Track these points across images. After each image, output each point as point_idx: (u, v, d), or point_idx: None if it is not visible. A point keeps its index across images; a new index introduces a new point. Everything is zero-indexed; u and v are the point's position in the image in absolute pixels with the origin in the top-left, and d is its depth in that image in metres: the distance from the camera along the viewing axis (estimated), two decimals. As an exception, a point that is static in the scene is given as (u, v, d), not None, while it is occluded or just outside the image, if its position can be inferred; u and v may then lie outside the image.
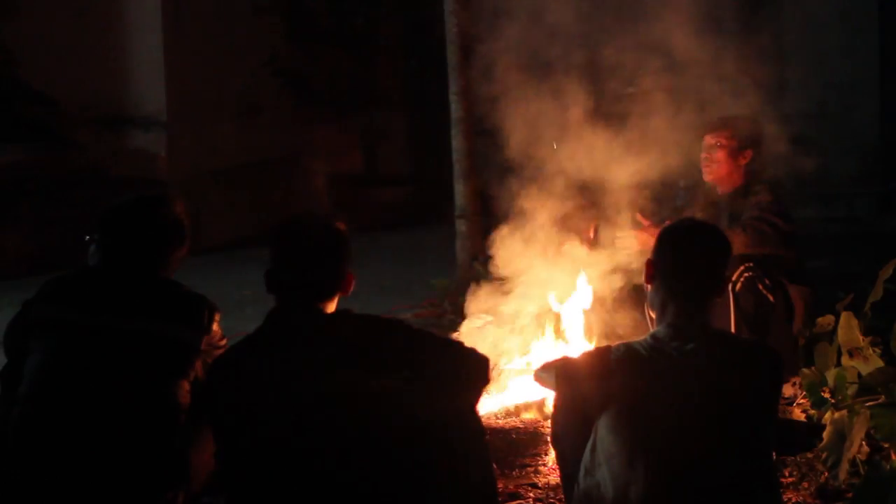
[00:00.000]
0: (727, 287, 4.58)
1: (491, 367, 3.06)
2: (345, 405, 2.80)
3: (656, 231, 3.46)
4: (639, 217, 4.84)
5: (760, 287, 4.65)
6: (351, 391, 2.81)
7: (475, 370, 2.98)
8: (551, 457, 3.98)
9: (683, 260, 2.98)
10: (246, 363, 2.91)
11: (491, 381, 3.10)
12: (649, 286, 3.07)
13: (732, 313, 4.60)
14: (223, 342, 3.37)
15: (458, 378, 2.93)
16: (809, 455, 4.03)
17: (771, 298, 4.67)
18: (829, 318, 4.72)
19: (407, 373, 2.88)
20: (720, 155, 4.94)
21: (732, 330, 4.55)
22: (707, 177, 5.01)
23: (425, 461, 2.82)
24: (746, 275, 4.64)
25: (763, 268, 4.69)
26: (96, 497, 3.10)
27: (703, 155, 4.98)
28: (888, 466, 3.59)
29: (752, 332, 4.57)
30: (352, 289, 3.04)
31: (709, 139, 4.98)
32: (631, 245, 4.81)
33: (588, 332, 5.01)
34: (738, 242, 4.61)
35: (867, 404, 3.87)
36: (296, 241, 3.01)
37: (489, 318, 5.01)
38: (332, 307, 3.02)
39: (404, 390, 2.86)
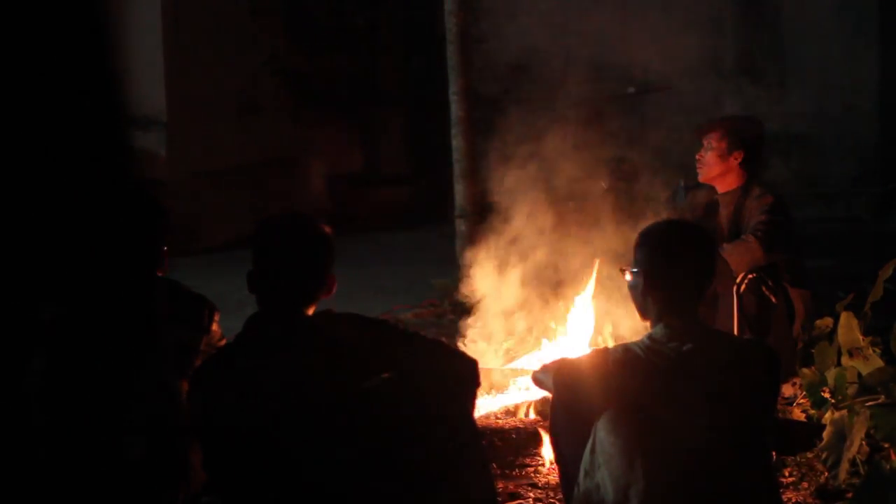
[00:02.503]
0: (732, 287, 4.59)
1: (479, 369, 3.03)
2: (333, 409, 2.76)
3: None
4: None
5: (764, 289, 4.65)
6: (339, 394, 2.78)
7: (463, 372, 2.96)
8: (551, 457, 3.98)
9: (669, 260, 2.96)
10: (228, 373, 2.85)
11: (480, 384, 3.06)
12: (639, 294, 3.02)
13: (736, 314, 4.60)
14: (223, 342, 3.37)
15: (446, 380, 2.91)
16: (809, 455, 4.03)
17: (773, 300, 4.67)
18: (829, 320, 4.72)
19: (394, 374, 2.85)
20: (710, 156, 4.95)
21: (735, 331, 4.55)
22: (700, 177, 5.03)
23: (419, 463, 2.80)
24: (751, 276, 4.65)
25: (767, 269, 4.69)
26: (97, 496, 3.10)
27: (697, 156, 5.00)
28: (888, 466, 3.59)
29: (753, 333, 4.57)
30: (334, 291, 2.98)
31: (703, 140, 4.99)
32: None
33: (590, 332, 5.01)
34: (755, 249, 4.61)
35: (867, 404, 3.87)
36: (279, 244, 2.95)
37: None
38: (313, 309, 2.97)
39: (393, 392, 2.83)
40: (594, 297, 4.94)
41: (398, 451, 2.78)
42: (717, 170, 4.95)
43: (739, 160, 4.92)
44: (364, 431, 2.77)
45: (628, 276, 3.02)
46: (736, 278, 4.61)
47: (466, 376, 2.97)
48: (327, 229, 2.99)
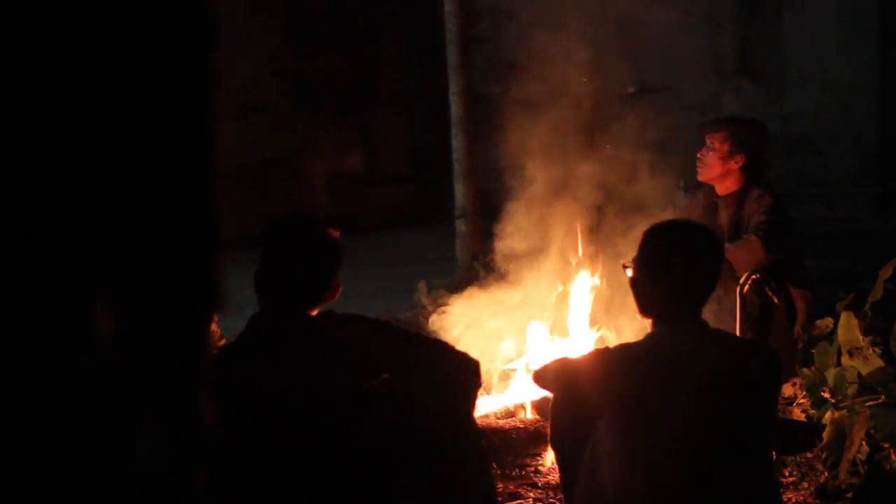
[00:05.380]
0: (735, 289, 4.59)
1: (481, 369, 3.03)
2: (335, 408, 2.76)
3: None
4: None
5: (767, 290, 4.65)
6: (340, 394, 2.78)
7: (465, 373, 2.96)
8: (551, 457, 3.98)
9: (675, 260, 2.92)
10: (230, 371, 2.83)
11: (482, 385, 3.06)
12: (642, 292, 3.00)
13: (738, 315, 4.59)
14: (222, 342, 3.37)
15: (447, 380, 2.91)
16: (809, 455, 4.03)
17: (776, 300, 4.67)
18: (829, 320, 4.72)
19: (395, 374, 2.85)
20: (712, 157, 4.93)
21: (737, 331, 4.54)
22: (700, 176, 5.02)
23: (420, 464, 2.80)
24: (755, 276, 4.64)
25: (769, 270, 4.69)
26: (96, 495, 3.10)
27: (698, 154, 4.98)
28: (888, 466, 3.59)
29: (755, 334, 4.57)
30: (338, 295, 2.97)
31: (706, 138, 4.98)
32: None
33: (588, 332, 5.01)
34: (757, 249, 4.60)
35: (867, 404, 3.87)
36: (290, 247, 2.94)
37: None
38: (316, 311, 2.97)
39: (394, 392, 2.83)
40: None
41: (399, 451, 2.78)
42: (716, 171, 4.94)
43: (740, 164, 4.90)
44: (365, 432, 2.77)
45: (629, 272, 3.01)
46: (738, 279, 4.61)
47: (467, 376, 2.97)
48: (336, 233, 2.99)
